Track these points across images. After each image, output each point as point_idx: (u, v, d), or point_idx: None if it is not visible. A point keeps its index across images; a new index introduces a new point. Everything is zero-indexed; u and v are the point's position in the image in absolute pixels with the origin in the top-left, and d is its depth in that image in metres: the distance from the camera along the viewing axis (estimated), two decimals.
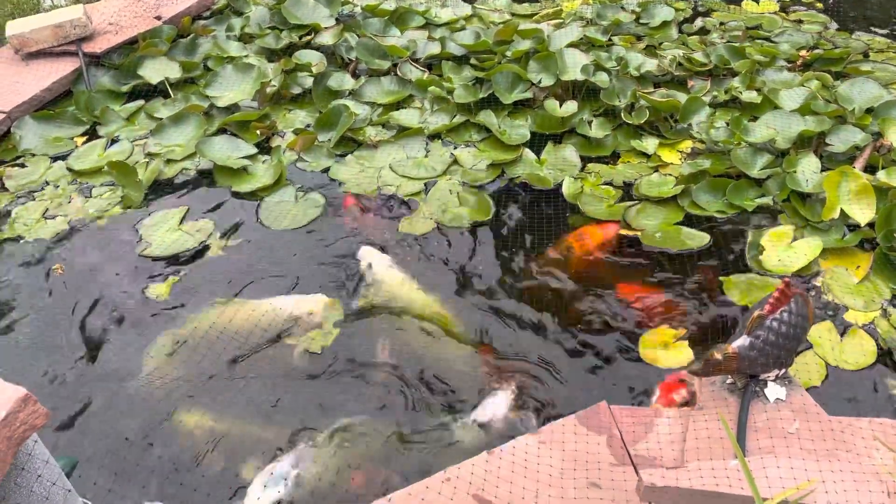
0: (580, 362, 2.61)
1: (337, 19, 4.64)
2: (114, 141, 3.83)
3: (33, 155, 3.76)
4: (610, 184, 3.41)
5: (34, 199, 3.47)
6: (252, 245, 3.16)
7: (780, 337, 2.10)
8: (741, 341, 2.10)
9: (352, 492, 2.23)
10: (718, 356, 2.08)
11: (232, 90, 4.08)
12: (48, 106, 4.09)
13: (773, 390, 2.15)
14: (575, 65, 3.95)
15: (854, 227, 3.01)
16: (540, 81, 3.92)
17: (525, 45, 4.19)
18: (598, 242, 3.08)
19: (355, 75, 4.24)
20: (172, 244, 3.16)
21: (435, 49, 4.34)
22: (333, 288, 2.93)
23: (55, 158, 3.74)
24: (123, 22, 4.49)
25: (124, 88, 4.16)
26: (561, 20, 4.72)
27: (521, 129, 3.75)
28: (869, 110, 3.61)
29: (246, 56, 4.37)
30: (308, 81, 4.14)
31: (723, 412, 2.13)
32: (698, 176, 3.34)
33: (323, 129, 3.80)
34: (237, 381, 2.58)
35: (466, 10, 4.87)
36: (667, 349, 2.62)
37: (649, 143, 3.60)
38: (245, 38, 4.61)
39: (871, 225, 2.95)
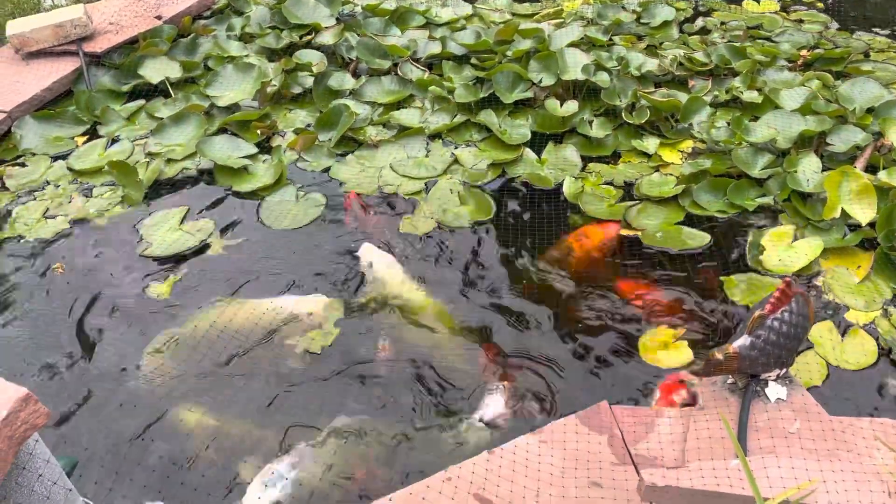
0: (581, 361, 2.61)
1: (337, 19, 4.64)
2: (114, 140, 3.83)
3: (34, 154, 3.76)
4: (611, 183, 3.41)
5: (35, 199, 3.47)
6: (252, 245, 3.16)
7: (781, 337, 2.10)
8: (742, 341, 2.10)
9: (352, 492, 2.23)
10: (719, 356, 2.08)
11: (232, 90, 4.08)
12: (49, 105, 4.10)
13: (774, 390, 2.15)
14: (576, 64, 3.95)
15: (855, 227, 3.00)
16: (541, 81, 3.92)
17: (526, 44, 4.19)
18: (599, 242, 3.08)
19: (356, 75, 4.24)
20: (173, 244, 3.16)
21: (435, 49, 4.34)
22: (334, 287, 2.93)
23: (56, 158, 3.74)
24: (124, 21, 4.50)
25: (125, 88, 4.16)
26: (562, 20, 4.72)
27: (521, 128, 3.74)
28: (870, 110, 3.61)
29: (246, 56, 4.37)
30: (309, 81, 4.14)
31: (724, 412, 2.13)
32: (699, 176, 3.34)
33: (323, 129, 3.79)
34: (237, 381, 2.58)
35: (467, 9, 4.87)
36: (667, 349, 2.62)
37: (650, 143, 3.60)
38: (245, 38, 4.61)
39: (871, 225, 2.94)
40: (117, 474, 2.30)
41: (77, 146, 3.81)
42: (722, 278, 2.87)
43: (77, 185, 3.54)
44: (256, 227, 3.26)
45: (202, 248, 3.15)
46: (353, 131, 3.78)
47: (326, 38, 4.43)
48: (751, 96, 3.80)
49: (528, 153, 3.60)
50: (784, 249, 2.95)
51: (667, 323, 2.72)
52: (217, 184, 3.52)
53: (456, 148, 3.68)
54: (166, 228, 3.25)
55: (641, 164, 3.52)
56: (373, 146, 3.71)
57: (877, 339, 2.60)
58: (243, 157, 3.62)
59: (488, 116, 3.76)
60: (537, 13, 4.91)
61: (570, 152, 3.59)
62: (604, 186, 3.38)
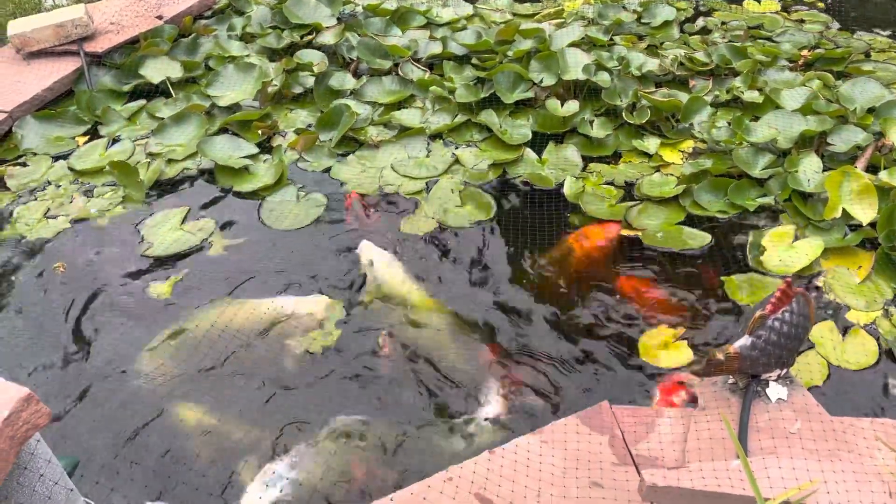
0: (581, 361, 2.61)
1: (338, 19, 4.64)
2: (115, 140, 3.84)
3: (35, 154, 3.77)
4: (611, 183, 3.41)
5: (36, 199, 3.47)
6: (253, 245, 3.17)
7: (782, 337, 2.10)
8: (743, 341, 2.10)
9: (352, 492, 2.23)
10: (720, 356, 2.09)
11: (233, 90, 4.08)
12: (50, 105, 4.10)
13: (775, 390, 2.15)
14: (576, 64, 3.95)
15: (856, 227, 3.00)
16: (541, 81, 3.92)
17: (526, 44, 4.19)
18: (599, 242, 3.08)
19: (357, 75, 4.24)
20: (174, 243, 3.17)
21: (436, 49, 4.34)
22: (335, 287, 2.93)
23: (57, 158, 3.74)
24: (125, 21, 4.50)
25: (126, 88, 4.16)
26: (562, 20, 4.72)
27: (522, 128, 3.74)
28: (870, 110, 3.61)
29: (247, 55, 4.38)
30: (309, 81, 4.15)
31: (724, 412, 2.13)
32: (700, 176, 3.34)
33: (324, 129, 3.80)
34: (238, 381, 2.58)
35: (468, 9, 4.87)
36: (667, 349, 2.62)
37: (651, 143, 3.60)
38: (246, 38, 4.61)
39: (872, 225, 2.94)
40: (118, 474, 2.30)
41: (78, 146, 3.82)
42: (723, 278, 2.87)
43: (78, 185, 3.55)
44: (257, 228, 3.26)
45: (203, 248, 3.15)
46: (353, 131, 3.78)
47: (327, 38, 4.44)
48: (752, 96, 3.80)
49: (529, 153, 3.60)
50: (785, 249, 2.95)
51: (667, 323, 2.72)
52: (218, 184, 3.52)
53: (457, 148, 3.69)
54: (167, 228, 3.25)
55: (642, 164, 3.52)
56: (374, 146, 3.71)
57: (878, 340, 2.60)
58: (244, 157, 3.62)
59: (489, 116, 3.76)
60: (538, 13, 4.91)
61: (571, 152, 3.59)
62: (604, 186, 3.38)
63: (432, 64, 4.31)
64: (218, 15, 4.88)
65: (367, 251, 3.06)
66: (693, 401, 2.35)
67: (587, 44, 4.28)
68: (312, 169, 3.60)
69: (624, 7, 4.74)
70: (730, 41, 4.39)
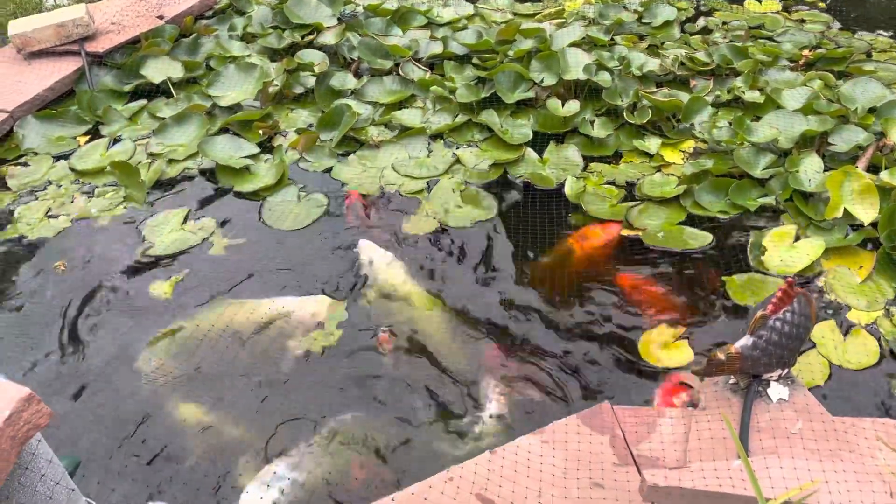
0: (582, 361, 2.61)
1: (339, 19, 4.64)
2: (116, 140, 3.84)
3: (36, 154, 3.77)
4: (612, 183, 3.41)
5: (37, 199, 3.48)
6: (254, 245, 3.17)
7: (783, 337, 2.10)
8: (744, 341, 2.10)
9: (353, 492, 2.23)
10: (721, 356, 2.08)
11: (234, 90, 4.08)
12: (51, 105, 4.10)
13: (776, 390, 2.15)
14: (577, 64, 3.94)
15: (857, 227, 3.00)
16: (542, 81, 3.92)
17: (527, 44, 4.19)
18: (600, 243, 3.08)
19: (357, 75, 4.25)
20: (175, 243, 3.17)
21: (437, 48, 4.34)
22: (335, 287, 2.93)
23: (58, 158, 3.74)
24: (126, 21, 4.50)
25: (127, 88, 4.17)
26: (563, 19, 4.72)
27: (523, 128, 3.74)
28: (872, 110, 3.60)
29: (248, 55, 4.38)
30: (310, 81, 4.15)
31: (726, 412, 2.13)
32: (701, 176, 3.33)
33: (325, 129, 3.80)
34: (239, 381, 2.59)
35: (468, 9, 4.87)
36: (668, 348, 2.62)
37: (652, 143, 3.60)
38: (247, 38, 4.61)
39: (874, 224, 2.94)
40: (119, 474, 2.30)
41: (79, 146, 3.82)
42: (724, 278, 2.87)
43: (79, 185, 3.55)
44: (258, 228, 3.26)
45: (204, 248, 3.15)
46: (354, 131, 3.78)
47: (328, 38, 4.44)
48: (752, 96, 3.80)
49: (530, 153, 3.60)
50: (786, 249, 2.95)
51: (667, 323, 2.72)
52: (219, 184, 3.52)
53: (458, 148, 3.68)
54: (168, 228, 3.25)
55: (643, 164, 3.52)
56: (374, 146, 3.71)
57: (879, 340, 2.60)
58: (245, 157, 3.62)
59: (490, 116, 3.76)
60: (539, 13, 4.91)
61: (572, 152, 3.59)
62: (605, 186, 3.38)
63: (433, 64, 4.31)
64: (219, 15, 4.88)
65: (367, 250, 3.06)
66: (693, 403, 2.35)
67: (588, 44, 4.28)
68: (313, 169, 3.60)
69: (625, 7, 4.74)
70: (731, 41, 4.39)
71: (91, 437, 2.41)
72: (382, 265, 3.00)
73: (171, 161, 3.66)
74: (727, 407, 2.16)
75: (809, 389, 2.25)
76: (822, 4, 4.99)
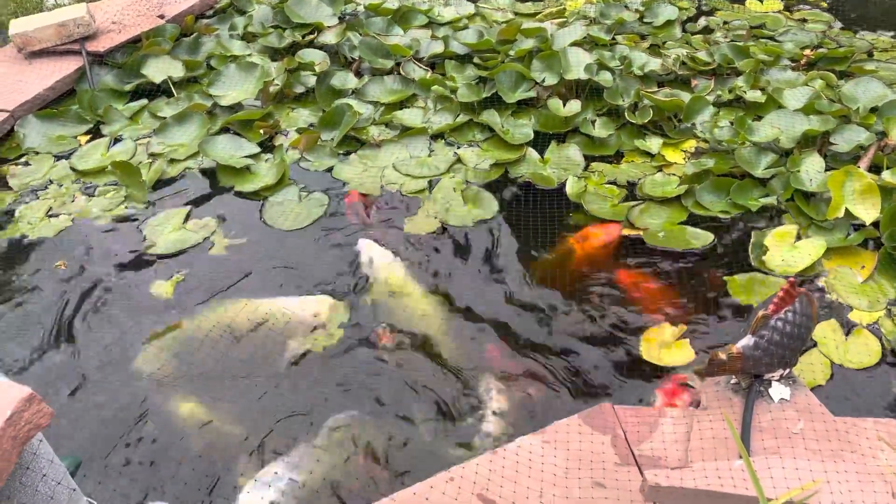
0: (583, 361, 2.61)
1: (340, 18, 4.64)
2: (117, 140, 3.84)
3: (37, 153, 3.77)
4: (614, 183, 3.40)
5: (38, 198, 3.48)
6: (255, 244, 3.17)
7: (785, 337, 2.09)
8: (745, 341, 2.10)
9: (353, 491, 2.23)
10: (723, 356, 2.08)
11: (235, 89, 4.08)
12: (52, 105, 4.10)
13: (778, 390, 2.14)
14: (578, 64, 3.94)
15: (858, 227, 3.00)
16: (543, 80, 3.92)
17: (528, 43, 4.19)
18: (601, 243, 3.08)
19: (358, 74, 4.24)
20: (176, 243, 3.17)
21: (438, 48, 4.33)
22: (336, 287, 2.93)
23: (59, 157, 3.74)
24: (127, 21, 4.50)
25: (127, 87, 4.16)
26: (564, 19, 4.71)
27: (524, 128, 3.74)
28: (873, 109, 3.60)
29: (249, 55, 4.37)
30: (311, 80, 4.14)
31: (727, 412, 2.13)
32: (702, 175, 3.33)
33: (326, 129, 3.79)
34: (240, 381, 2.59)
35: (469, 8, 4.87)
36: (669, 348, 2.62)
37: (653, 143, 3.60)
38: (248, 37, 4.61)
39: (875, 224, 2.94)
40: (120, 474, 2.30)
41: (80, 145, 3.82)
42: (725, 278, 2.87)
43: (80, 185, 3.55)
44: (259, 227, 3.26)
45: (205, 247, 3.15)
46: (355, 131, 3.78)
47: (329, 38, 4.44)
48: (754, 96, 3.80)
49: (531, 153, 3.60)
50: (787, 249, 2.95)
51: (669, 322, 2.72)
52: (220, 184, 3.52)
53: (459, 148, 3.68)
54: (169, 228, 3.25)
55: (644, 164, 3.52)
56: (375, 146, 3.70)
57: (880, 339, 2.59)
58: (246, 157, 3.62)
59: (491, 116, 3.76)
60: (540, 12, 4.90)
61: (573, 152, 3.59)
62: (607, 186, 3.38)
63: (434, 63, 4.31)
64: (220, 14, 4.88)
65: (368, 250, 3.06)
66: (695, 403, 2.35)
67: (589, 43, 4.28)
68: (314, 168, 3.60)
69: (626, 6, 4.73)
70: (732, 40, 4.38)
71: (92, 437, 2.41)
72: (383, 264, 3.00)
73: (171, 161, 3.66)
74: (728, 407, 2.15)
75: (811, 389, 2.25)
76: (823, 4, 4.98)
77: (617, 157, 3.59)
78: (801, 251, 2.92)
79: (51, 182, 3.57)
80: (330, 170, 3.58)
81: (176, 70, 4.20)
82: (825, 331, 2.62)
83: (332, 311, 2.80)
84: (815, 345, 2.58)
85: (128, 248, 3.16)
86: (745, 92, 3.84)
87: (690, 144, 3.61)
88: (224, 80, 4.12)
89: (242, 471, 2.29)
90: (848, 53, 4.16)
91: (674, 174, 3.41)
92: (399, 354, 2.66)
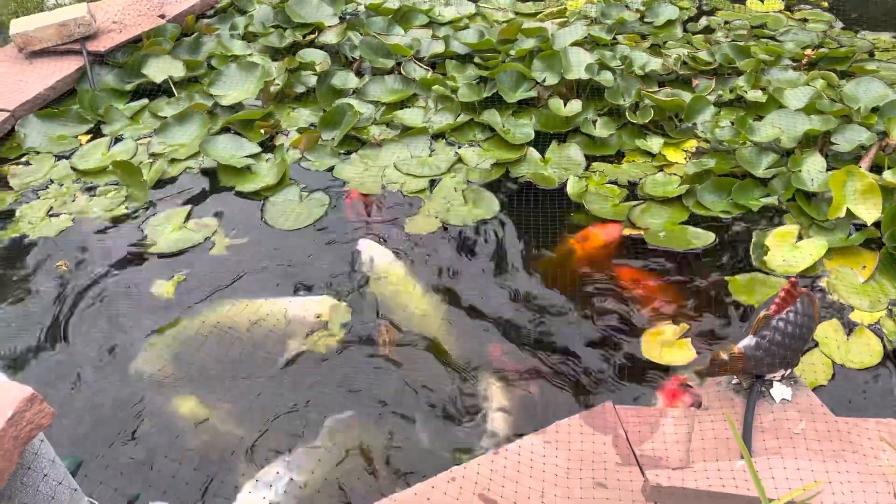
0: (584, 361, 2.60)
1: (340, 18, 4.64)
2: (118, 140, 3.84)
3: (38, 153, 3.77)
4: (615, 183, 3.40)
5: (39, 198, 3.47)
6: (256, 244, 3.16)
7: (786, 337, 2.09)
8: (747, 341, 2.10)
9: (354, 492, 2.23)
10: (724, 356, 2.08)
11: (236, 89, 4.08)
12: (52, 104, 4.10)
13: (779, 390, 2.14)
14: (579, 63, 3.94)
15: (860, 227, 3.00)
16: (544, 80, 3.92)
17: (529, 43, 4.19)
18: (601, 243, 3.08)
19: (359, 74, 4.24)
20: (177, 243, 3.17)
21: (439, 48, 4.33)
22: (337, 287, 2.92)
23: (59, 157, 3.74)
24: (127, 20, 4.50)
25: (128, 87, 4.16)
26: (565, 19, 4.71)
27: (525, 128, 3.74)
28: (875, 109, 3.60)
29: (250, 55, 4.37)
30: (312, 80, 4.14)
31: (728, 412, 2.13)
32: (703, 175, 3.33)
33: (327, 128, 3.79)
34: (241, 381, 2.58)
35: (470, 8, 4.87)
36: (670, 347, 2.62)
37: (654, 143, 3.60)
38: (249, 37, 4.61)
39: (877, 224, 2.94)
40: (121, 474, 2.30)
41: (81, 145, 3.82)
42: (726, 278, 2.86)
43: (81, 185, 3.55)
44: (260, 227, 3.26)
45: (206, 247, 3.15)
46: (356, 130, 3.78)
47: (330, 37, 4.43)
48: (755, 95, 3.80)
49: (532, 152, 3.60)
50: (788, 249, 2.95)
51: (670, 322, 2.72)
52: (220, 183, 3.52)
53: (460, 147, 3.68)
54: (170, 228, 3.25)
55: (645, 164, 3.52)
56: (376, 145, 3.70)
57: (882, 339, 2.59)
58: (246, 157, 3.62)
59: (492, 116, 3.76)
60: (540, 12, 4.90)
61: (574, 152, 3.59)
62: (608, 186, 3.38)
63: (435, 63, 4.31)
64: (220, 14, 4.88)
65: (368, 249, 3.06)
66: (696, 403, 2.34)
67: (590, 43, 4.28)
68: (315, 168, 3.60)
69: (627, 6, 4.73)
70: (733, 40, 4.38)
71: (93, 437, 2.41)
72: (384, 264, 3.00)
73: (172, 160, 3.66)
74: (730, 407, 2.15)
75: (813, 389, 2.25)
76: (824, 4, 4.98)
77: (618, 157, 3.59)
78: (802, 251, 2.92)
79: (51, 182, 3.57)
80: (331, 169, 3.58)
81: (177, 70, 4.19)
82: (826, 331, 2.62)
83: (334, 311, 2.80)
84: (816, 345, 2.58)
85: (128, 248, 3.16)
86: (746, 92, 3.83)
87: (691, 144, 3.61)
88: (225, 79, 4.12)
89: (243, 471, 2.29)
90: (849, 53, 4.16)
91: (675, 174, 3.40)
92: (400, 354, 2.65)
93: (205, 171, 3.61)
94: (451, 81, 4.04)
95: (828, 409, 2.11)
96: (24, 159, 3.74)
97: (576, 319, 2.77)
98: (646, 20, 4.64)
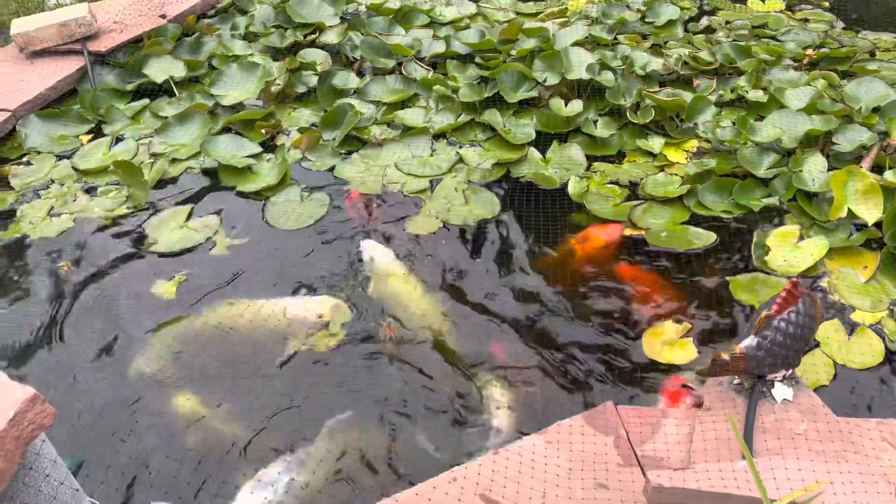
0: (585, 361, 2.60)
1: (341, 18, 4.64)
2: (119, 139, 3.84)
3: (39, 153, 3.77)
4: (616, 183, 3.40)
5: (40, 198, 3.47)
6: (257, 244, 3.16)
7: (788, 337, 2.09)
8: (748, 341, 2.10)
9: (355, 492, 2.23)
10: (725, 356, 2.08)
11: (237, 89, 4.08)
12: (53, 104, 4.10)
13: (781, 391, 2.14)
14: (580, 63, 3.94)
15: (861, 227, 3.00)
16: (545, 80, 3.92)
17: (530, 43, 4.19)
18: (602, 243, 3.07)
19: (360, 74, 4.24)
20: (178, 243, 3.17)
21: (440, 48, 4.33)
22: (338, 287, 2.92)
23: (60, 157, 3.74)
24: (128, 20, 4.50)
25: (129, 87, 4.17)
26: (566, 19, 4.71)
27: (526, 128, 3.74)
28: (875, 109, 3.60)
29: (251, 55, 4.37)
30: (313, 80, 4.14)
31: (730, 413, 2.13)
32: (704, 175, 3.33)
33: (328, 128, 3.79)
34: (241, 381, 2.58)
35: (471, 8, 4.87)
36: (672, 346, 2.62)
37: (655, 143, 3.60)
38: (250, 37, 4.61)
39: (878, 224, 2.94)
40: (123, 474, 2.30)
41: (82, 145, 3.82)
42: (727, 278, 2.86)
43: (82, 184, 3.55)
44: (261, 227, 3.26)
45: (207, 247, 3.15)
46: (357, 130, 3.78)
47: (330, 37, 4.43)
48: (756, 96, 3.79)
49: (533, 152, 3.60)
50: (789, 249, 2.94)
51: (671, 322, 2.71)
52: (221, 183, 3.52)
53: (461, 147, 3.68)
54: (171, 228, 3.25)
55: (646, 164, 3.52)
56: (377, 145, 3.70)
57: (883, 340, 2.59)
58: (247, 157, 3.62)
59: (493, 116, 3.76)
60: (541, 12, 4.90)
61: (575, 151, 3.59)
62: (609, 186, 3.37)
63: (436, 63, 4.31)
64: (221, 14, 4.88)
65: (369, 249, 3.06)
66: (697, 404, 2.34)
67: (591, 43, 4.28)
68: (316, 168, 3.60)
69: (628, 6, 4.73)
70: (734, 40, 4.38)
71: (93, 437, 2.41)
72: (385, 264, 3.00)
73: (173, 160, 3.66)
74: (731, 407, 2.15)
75: (814, 390, 2.25)
76: (825, 4, 4.98)
77: (619, 157, 3.59)
78: (803, 251, 2.92)
79: (52, 182, 3.57)
80: (332, 169, 3.58)
81: (177, 70, 4.19)
82: (828, 331, 2.62)
83: (335, 311, 2.80)
84: (817, 345, 2.58)
85: (129, 248, 3.16)
86: (747, 92, 3.83)
87: (692, 144, 3.61)
88: (226, 79, 4.12)
89: (244, 471, 2.29)
90: (850, 53, 4.16)
91: (676, 174, 3.40)
92: (401, 354, 2.65)
93: (206, 171, 3.61)
94: (452, 81, 4.04)
95: (829, 409, 2.11)
96: (25, 159, 3.74)
97: (577, 319, 2.76)
98: (647, 20, 4.64)
